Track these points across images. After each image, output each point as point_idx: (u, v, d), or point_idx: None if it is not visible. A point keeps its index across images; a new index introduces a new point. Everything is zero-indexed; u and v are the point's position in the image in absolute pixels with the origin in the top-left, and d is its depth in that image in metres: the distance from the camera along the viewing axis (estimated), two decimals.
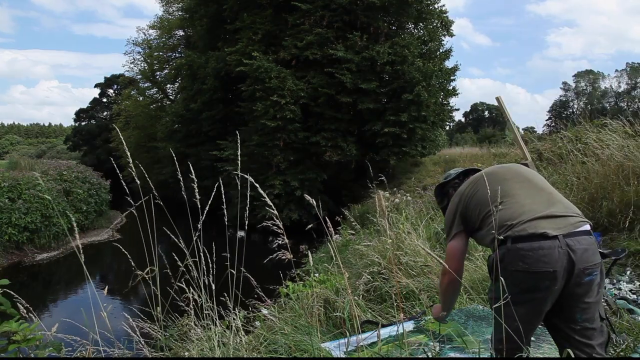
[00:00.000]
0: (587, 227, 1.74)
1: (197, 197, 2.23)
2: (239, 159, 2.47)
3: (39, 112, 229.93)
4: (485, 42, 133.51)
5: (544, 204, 1.77)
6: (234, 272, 2.28)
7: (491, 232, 1.77)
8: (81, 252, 1.95)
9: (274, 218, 2.15)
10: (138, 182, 2.25)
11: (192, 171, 2.31)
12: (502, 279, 1.65)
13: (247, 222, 2.26)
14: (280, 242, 2.19)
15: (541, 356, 2.33)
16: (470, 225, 1.96)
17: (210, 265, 2.26)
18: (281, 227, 2.15)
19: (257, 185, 2.13)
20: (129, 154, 2.27)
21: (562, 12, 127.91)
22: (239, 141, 2.66)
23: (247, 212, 2.24)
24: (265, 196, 2.07)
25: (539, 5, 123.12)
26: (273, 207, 2.11)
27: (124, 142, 2.50)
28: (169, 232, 2.34)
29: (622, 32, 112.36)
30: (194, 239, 2.22)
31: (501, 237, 1.72)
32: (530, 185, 1.89)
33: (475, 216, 1.91)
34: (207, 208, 2.22)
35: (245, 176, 2.17)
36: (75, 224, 1.97)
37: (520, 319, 1.67)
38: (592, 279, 1.66)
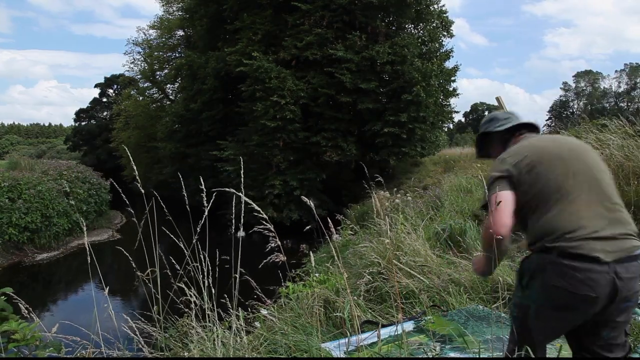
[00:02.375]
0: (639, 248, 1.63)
1: (205, 204, 2.22)
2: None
3: (38, 112, 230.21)
4: (483, 42, 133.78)
5: (604, 220, 1.61)
6: (235, 275, 2.28)
7: (537, 230, 1.65)
8: (89, 251, 1.95)
9: (264, 222, 2.15)
10: (139, 183, 2.25)
11: (202, 182, 2.29)
12: (534, 288, 1.61)
13: (238, 222, 2.26)
14: (272, 244, 2.18)
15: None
16: (521, 199, 1.72)
17: (210, 267, 2.26)
18: (272, 230, 2.15)
19: (246, 198, 2.11)
20: (130, 156, 2.27)
21: (558, 13, 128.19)
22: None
23: (243, 213, 2.24)
24: (253, 203, 2.07)
25: (535, 6, 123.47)
26: (261, 211, 2.11)
27: (131, 158, 2.49)
28: (168, 232, 2.34)
29: (619, 32, 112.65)
30: (194, 240, 2.22)
31: (547, 245, 1.60)
32: (595, 187, 1.68)
33: (526, 199, 1.70)
34: (206, 212, 2.21)
35: (237, 193, 2.14)
36: (82, 222, 1.97)
37: (541, 333, 1.63)
38: (629, 305, 1.61)
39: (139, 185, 2.24)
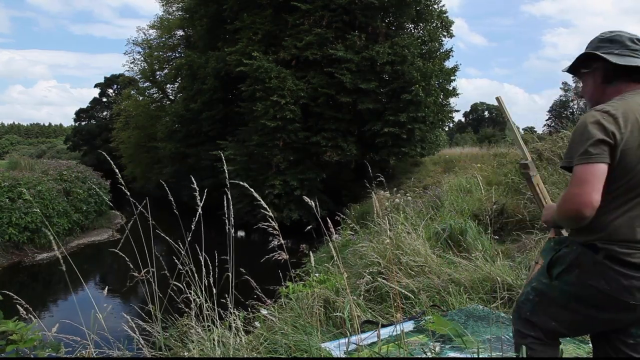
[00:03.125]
0: None
1: (199, 202, 2.21)
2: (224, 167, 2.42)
3: (38, 112, 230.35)
4: (482, 42, 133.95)
5: None
6: (233, 274, 2.28)
7: (595, 224, 1.46)
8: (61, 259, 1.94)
9: (270, 220, 2.14)
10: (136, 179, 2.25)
11: (194, 181, 2.28)
12: (567, 282, 1.54)
13: (230, 224, 2.25)
14: (276, 242, 2.18)
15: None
16: (613, 180, 1.45)
17: (210, 267, 2.25)
18: (276, 228, 2.14)
19: (252, 190, 2.11)
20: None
21: (557, 13, 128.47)
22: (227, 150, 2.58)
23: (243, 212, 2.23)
24: (262, 200, 2.06)
25: (534, 6, 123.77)
26: (268, 209, 2.10)
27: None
28: (162, 234, 2.33)
29: None
30: (187, 240, 2.22)
31: (597, 244, 1.48)
32: None
33: (610, 182, 1.43)
34: (199, 211, 2.21)
35: (241, 183, 2.13)
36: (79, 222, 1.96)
37: (563, 325, 1.57)
38: None
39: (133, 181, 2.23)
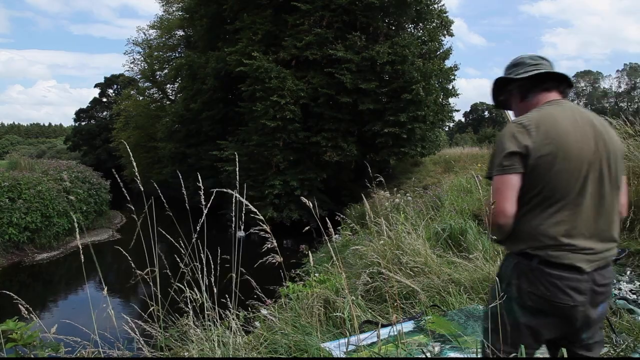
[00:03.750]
0: (614, 254, 1.61)
1: (203, 202, 2.22)
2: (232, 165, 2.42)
3: (38, 112, 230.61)
4: (480, 42, 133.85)
5: (597, 237, 1.54)
6: (235, 274, 2.28)
7: (525, 232, 1.53)
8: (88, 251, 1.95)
9: (260, 223, 2.14)
10: (138, 179, 2.25)
11: (200, 179, 2.28)
12: (511, 295, 1.56)
13: (239, 222, 2.25)
14: (269, 245, 2.17)
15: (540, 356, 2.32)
16: (526, 188, 1.53)
17: (212, 267, 2.26)
18: (269, 231, 2.14)
19: (242, 199, 2.11)
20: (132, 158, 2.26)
21: (555, 13, 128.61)
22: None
23: (244, 212, 2.23)
24: (249, 204, 2.06)
25: (533, 6, 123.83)
26: (258, 213, 2.10)
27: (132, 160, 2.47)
28: (164, 233, 2.34)
29: (617, 32, 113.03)
30: (194, 239, 2.22)
31: (529, 252, 1.52)
32: (602, 200, 1.54)
33: (529, 190, 1.52)
34: (205, 210, 2.21)
35: (232, 192, 2.12)
36: (77, 224, 1.97)
37: (521, 342, 1.56)
38: (604, 308, 1.61)
39: (138, 181, 2.23)
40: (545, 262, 1.51)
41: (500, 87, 1.78)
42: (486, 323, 1.66)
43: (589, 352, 1.64)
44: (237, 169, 2.28)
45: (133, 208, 2.29)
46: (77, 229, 1.95)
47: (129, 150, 2.42)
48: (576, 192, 1.51)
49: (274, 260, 2.19)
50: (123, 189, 2.12)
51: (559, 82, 1.67)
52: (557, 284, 1.49)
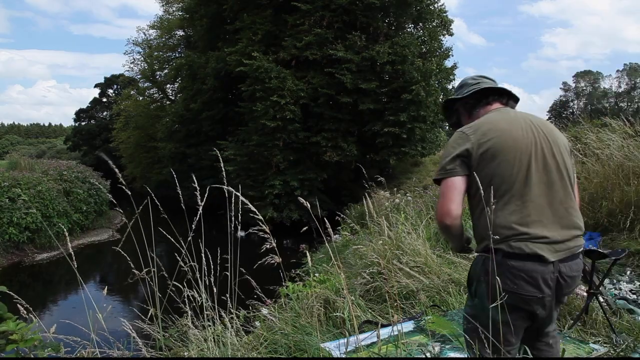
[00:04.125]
0: (582, 246, 1.64)
1: (199, 202, 2.21)
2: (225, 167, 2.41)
3: (37, 112, 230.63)
4: (480, 42, 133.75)
5: (555, 224, 1.56)
6: (232, 273, 2.28)
7: (482, 229, 1.59)
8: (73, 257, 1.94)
9: (260, 223, 2.14)
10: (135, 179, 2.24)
11: (194, 180, 2.27)
12: (482, 294, 1.58)
13: (239, 222, 2.25)
14: (268, 246, 2.16)
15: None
16: (474, 185, 1.61)
17: (212, 267, 2.25)
18: (268, 231, 2.13)
19: (243, 197, 2.11)
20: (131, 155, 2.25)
21: (555, 13, 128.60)
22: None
23: (240, 212, 2.23)
24: (249, 204, 2.06)
25: (532, 6, 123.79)
26: (257, 212, 2.09)
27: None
28: (164, 232, 2.34)
29: (616, 32, 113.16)
30: (189, 238, 2.22)
31: (493, 246, 1.53)
32: (552, 187, 1.59)
33: (477, 187, 1.58)
34: (200, 210, 2.21)
35: (232, 189, 2.12)
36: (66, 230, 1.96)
37: (501, 342, 1.58)
38: (564, 301, 1.67)
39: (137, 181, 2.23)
40: (509, 254, 1.53)
41: (449, 108, 1.94)
42: (465, 326, 1.70)
43: (551, 349, 1.67)
44: (224, 170, 2.27)
45: (136, 210, 2.29)
46: (67, 236, 1.94)
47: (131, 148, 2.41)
48: (521, 181, 1.56)
49: (272, 261, 2.18)
50: (126, 190, 2.12)
51: (500, 95, 1.80)
52: (522, 276, 1.51)
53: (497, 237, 1.54)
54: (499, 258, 1.54)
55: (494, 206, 1.54)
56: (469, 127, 1.67)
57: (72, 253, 1.93)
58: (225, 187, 2.11)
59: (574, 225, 1.61)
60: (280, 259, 2.18)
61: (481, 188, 1.54)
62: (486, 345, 1.59)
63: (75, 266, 1.95)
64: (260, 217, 2.12)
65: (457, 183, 1.61)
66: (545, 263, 1.51)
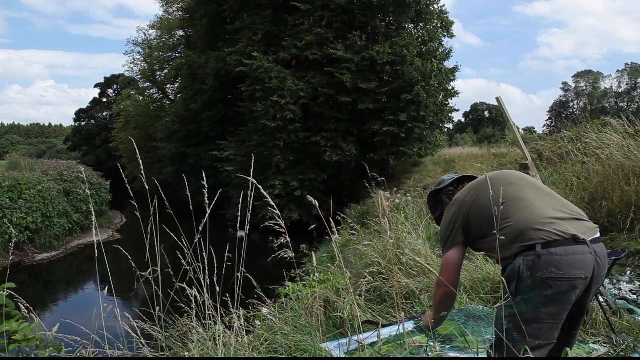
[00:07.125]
0: (598, 230, 1.72)
1: (207, 201, 2.22)
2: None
3: (36, 112, 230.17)
4: (476, 42, 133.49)
5: (558, 206, 1.72)
6: (237, 274, 2.28)
7: (507, 240, 1.67)
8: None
9: (276, 218, 2.15)
10: (144, 177, 2.25)
11: (204, 177, 2.28)
12: (525, 290, 1.61)
13: (248, 222, 2.26)
14: (282, 241, 2.20)
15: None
16: (473, 234, 1.87)
17: (215, 266, 2.26)
18: (283, 226, 2.15)
19: (260, 187, 2.12)
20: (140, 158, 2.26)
21: (550, 14, 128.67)
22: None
23: (250, 211, 2.24)
24: (269, 197, 2.07)
25: (527, 7, 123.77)
26: (275, 207, 2.11)
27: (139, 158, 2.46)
28: (168, 231, 2.34)
29: (612, 33, 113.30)
30: (196, 240, 2.22)
31: (525, 244, 1.63)
32: (537, 189, 1.83)
33: (481, 223, 1.80)
34: (208, 210, 2.21)
35: (248, 178, 2.15)
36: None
37: (542, 336, 1.61)
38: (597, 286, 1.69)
39: (143, 179, 2.23)
40: (548, 243, 1.60)
41: (435, 199, 2.29)
42: (500, 327, 1.66)
43: (574, 336, 1.79)
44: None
45: (136, 206, 2.29)
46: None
47: (136, 147, 2.41)
48: (517, 197, 1.77)
49: (286, 256, 2.22)
50: (127, 186, 2.12)
51: (472, 179, 2.14)
52: (566, 261, 1.57)
53: (528, 236, 1.64)
54: (540, 250, 1.60)
55: (506, 222, 1.69)
56: (451, 202, 2.05)
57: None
58: (250, 177, 2.16)
59: (581, 215, 1.74)
60: (293, 254, 2.22)
61: (485, 221, 1.77)
62: (529, 340, 1.61)
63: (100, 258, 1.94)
64: (278, 212, 2.14)
65: (457, 254, 1.96)
66: (582, 243, 1.59)
